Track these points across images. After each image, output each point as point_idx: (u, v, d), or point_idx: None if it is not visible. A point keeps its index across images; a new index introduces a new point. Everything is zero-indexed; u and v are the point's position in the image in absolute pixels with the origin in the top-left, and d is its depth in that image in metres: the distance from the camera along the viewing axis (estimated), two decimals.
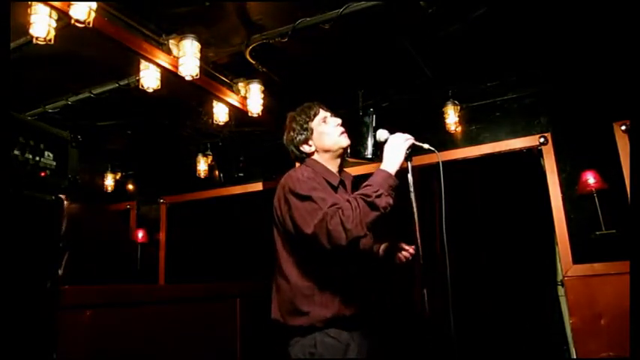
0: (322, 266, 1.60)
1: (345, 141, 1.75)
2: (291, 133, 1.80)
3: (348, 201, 1.49)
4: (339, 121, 1.79)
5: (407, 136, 1.63)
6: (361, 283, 1.67)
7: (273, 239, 1.73)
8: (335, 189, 1.71)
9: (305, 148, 1.78)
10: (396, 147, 1.61)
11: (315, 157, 1.79)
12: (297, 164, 1.86)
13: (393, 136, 1.64)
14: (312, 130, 1.77)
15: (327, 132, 1.76)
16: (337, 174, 1.78)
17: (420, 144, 1.65)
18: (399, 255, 1.88)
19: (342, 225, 1.43)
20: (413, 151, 1.65)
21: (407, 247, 1.87)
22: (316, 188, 1.58)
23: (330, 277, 1.60)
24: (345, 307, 1.58)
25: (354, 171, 2.72)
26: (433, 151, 1.62)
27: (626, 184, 2.95)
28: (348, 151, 1.78)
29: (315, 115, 1.79)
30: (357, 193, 1.52)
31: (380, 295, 1.78)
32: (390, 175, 1.55)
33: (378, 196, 1.47)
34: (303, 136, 1.77)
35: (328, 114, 1.81)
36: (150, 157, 4.70)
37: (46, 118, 3.32)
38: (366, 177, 1.58)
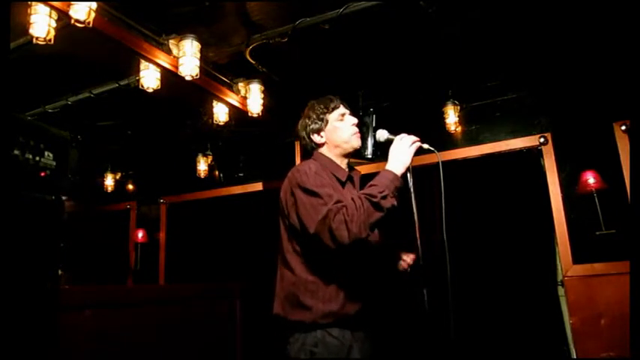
0: (327, 261, 1.57)
1: (356, 142, 1.73)
2: (307, 121, 1.78)
3: (352, 199, 1.46)
4: (355, 120, 1.77)
5: (414, 138, 1.61)
6: (366, 280, 1.65)
7: (279, 232, 1.70)
8: (342, 184, 1.70)
9: (316, 138, 1.76)
10: (404, 149, 1.58)
11: (325, 150, 1.77)
12: (298, 161, 1.86)
13: (401, 137, 1.61)
14: (327, 121, 1.76)
15: (342, 128, 1.74)
16: (345, 169, 1.76)
17: (425, 145, 1.64)
18: (400, 263, 1.85)
19: (346, 224, 1.41)
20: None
21: (405, 257, 1.84)
22: (323, 184, 1.56)
23: (334, 273, 1.58)
24: (349, 304, 1.56)
25: None
26: (433, 151, 1.62)
27: (626, 184, 2.96)
28: None
29: (335, 108, 1.77)
30: (362, 192, 1.50)
31: (383, 295, 1.74)
32: (397, 176, 1.53)
33: (384, 197, 1.45)
34: (317, 126, 1.75)
35: (347, 112, 1.78)
36: (150, 157, 4.70)
37: (46, 118, 3.33)
38: (369, 176, 1.58)
